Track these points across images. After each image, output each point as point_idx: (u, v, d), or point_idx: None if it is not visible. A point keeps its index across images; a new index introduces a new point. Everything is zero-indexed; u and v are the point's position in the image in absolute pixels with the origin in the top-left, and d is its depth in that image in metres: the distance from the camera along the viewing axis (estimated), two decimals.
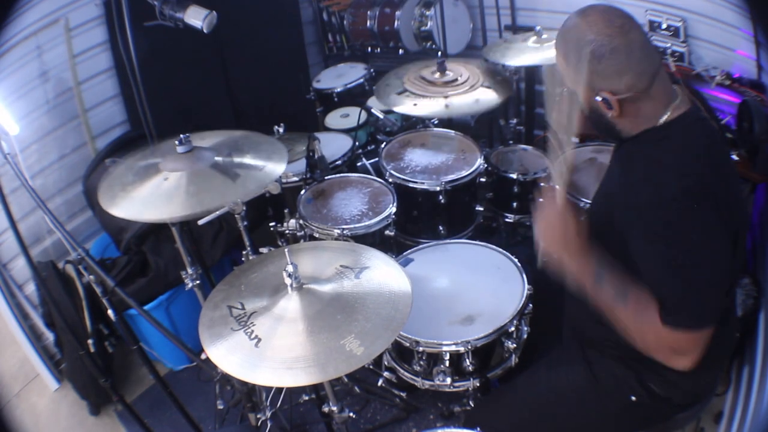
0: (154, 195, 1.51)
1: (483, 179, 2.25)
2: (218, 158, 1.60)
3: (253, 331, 1.18)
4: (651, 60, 1.14)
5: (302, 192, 2.19)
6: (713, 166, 1.14)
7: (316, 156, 2.15)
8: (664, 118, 1.17)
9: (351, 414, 1.47)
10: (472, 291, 1.66)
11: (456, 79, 2.26)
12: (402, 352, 1.65)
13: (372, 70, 3.14)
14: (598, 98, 1.16)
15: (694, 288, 1.12)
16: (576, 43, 1.15)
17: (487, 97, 2.18)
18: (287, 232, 2.14)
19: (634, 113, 1.18)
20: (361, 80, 3.06)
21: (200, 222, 1.71)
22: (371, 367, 2.02)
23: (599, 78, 1.14)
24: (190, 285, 1.90)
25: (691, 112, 1.19)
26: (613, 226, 1.24)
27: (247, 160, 1.63)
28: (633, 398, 1.35)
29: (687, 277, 1.11)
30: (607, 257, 1.24)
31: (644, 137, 1.20)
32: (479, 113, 2.37)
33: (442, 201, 2.13)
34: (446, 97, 2.16)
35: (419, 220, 2.24)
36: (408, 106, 2.18)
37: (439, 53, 2.82)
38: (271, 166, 1.59)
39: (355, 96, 3.03)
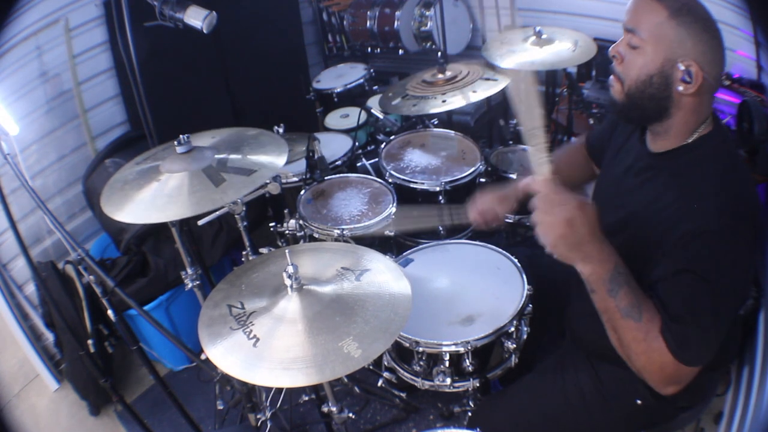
0: (153, 197, 1.50)
1: (483, 179, 2.25)
2: (217, 156, 1.60)
3: (251, 330, 1.17)
4: None
5: (302, 192, 2.19)
6: (748, 182, 1.17)
7: (315, 156, 2.15)
8: (701, 130, 1.17)
9: (351, 414, 1.47)
10: (472, 291, 1.66)
11: (455, 76, 2.26)
12: (402, 353, 1.65)
13: (372, 70, 3.14)
14: (681, 66, 1.10)
15: (718, 328, 1.11)
16: (695, 8, 1.11)
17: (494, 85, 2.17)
18: (287, 232, 2.14)
19: (696, 103, 1.15)
20: (361, 80, 3.06)
21: (200, 222, 1.71)
22: (371, 367, 2.02)
23: (700, 48, 1.09)
24: (190, 285, 1.90)
25: (721, 127, 1.19)
26: (633, 246, 1.21)
27: (244, 161, 1.62)
28: (639, 401, 1.35)
29: (713, 318, 1.10)
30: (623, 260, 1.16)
31: (683, 153, 1.19)
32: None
33: (442, 201, 2.12)
34: (443, 93, 2.15)
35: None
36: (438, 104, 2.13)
37: (439, 53, 2.82)
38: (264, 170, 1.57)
39: (355, 96, 3.03)
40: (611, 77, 1.24)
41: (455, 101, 2.10)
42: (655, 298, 1.13)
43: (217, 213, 1.71)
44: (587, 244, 1.10)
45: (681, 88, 1.12)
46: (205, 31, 1.76)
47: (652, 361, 1.11)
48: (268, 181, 1.85)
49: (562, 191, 1.12)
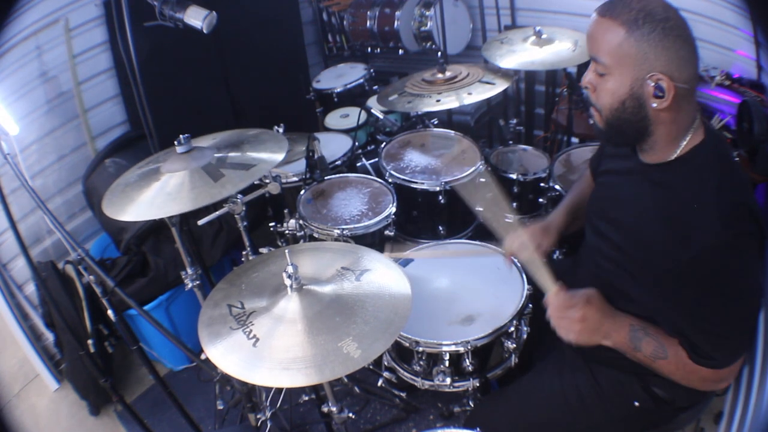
0: (154, 196, 1.51)
1: (483, 179, 2.25)
2: (216, 155, 1.61)
3: (251, 330, 1.18)
4: None
5: (302, 192, 2.19)
6: (746, 187, 1.15)
7: (315, 156, 2.15)
8: (691, 136, 1.14)
9: (351, 414, 1.47)
10: (472, 291, 1.66)
11: (455, 77, 2.26)
12: (402, 353, 1.65)
13: (372, 70, 3.14)
14: (650, 82, 1.07)
15: (739, 330, 1.14)
16: (651, 14, 1.05)
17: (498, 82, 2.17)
18: (287, 232, 2.14)
19: (675, 114, 1.11)
20: (361, 80, 3.06)
21: (200, 222, 1.71)
22: (371, 367, 2.02)
23: (665, 58, 1.05)
24: (190, 285, 1.90)
25: (712, 134, 1.16)
26: (640, 257, 1.20)
27: (243, 157, 1.62)
28: (636, 404, 1.35)
29: (731, 323, 1.13)
30: (635, 313, 1.25)
31: (677, 166, 1.16)
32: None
33: (442, 201, 2.12)
34: (439, 93, 2.15)
35: (419, 220, 2.24)
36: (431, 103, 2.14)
37: (439, 53, 2.82)
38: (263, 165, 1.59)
39: (355, 96, 3.03)
40: (591, 108, 1.22)
41: (449, 102, 2.10)
42: (672, 320, 1.20)
43: (217, 213, 1.71)
44: (602, 325, 1.25)
45: (655, 104, 1.09)
46: (205, 31, 1.76)
47: (693, 380, 1.22)
48: (268, 181, 1.86)
49: (568, 295, 1.28)
